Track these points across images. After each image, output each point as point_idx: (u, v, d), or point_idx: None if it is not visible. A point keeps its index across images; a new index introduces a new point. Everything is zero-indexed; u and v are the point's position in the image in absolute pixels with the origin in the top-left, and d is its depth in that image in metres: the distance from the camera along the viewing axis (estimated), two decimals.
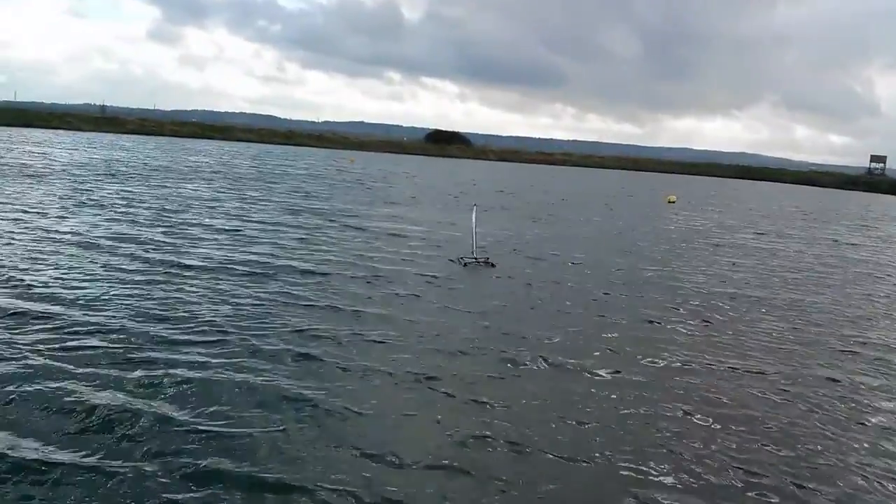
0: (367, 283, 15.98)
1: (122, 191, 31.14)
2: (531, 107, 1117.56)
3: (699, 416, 9.26)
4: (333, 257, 18.92)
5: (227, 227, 22.82)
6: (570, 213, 40.51)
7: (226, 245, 19.47)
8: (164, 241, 19.12)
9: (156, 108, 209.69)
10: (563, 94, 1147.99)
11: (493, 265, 19.20)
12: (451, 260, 19.64)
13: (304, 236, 22.35)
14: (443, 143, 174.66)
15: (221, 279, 14.98)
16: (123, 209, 25.05)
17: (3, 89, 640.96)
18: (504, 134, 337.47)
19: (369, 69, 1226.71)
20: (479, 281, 17.81)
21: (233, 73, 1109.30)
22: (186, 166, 53.33)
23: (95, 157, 54.51)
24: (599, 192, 70.58)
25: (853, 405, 10.16)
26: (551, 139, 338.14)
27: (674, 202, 58.22)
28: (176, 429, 7.55)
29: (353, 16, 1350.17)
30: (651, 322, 14.33)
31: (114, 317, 11.49)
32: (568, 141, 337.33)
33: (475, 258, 19.36)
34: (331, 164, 78.45)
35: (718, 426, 8.94)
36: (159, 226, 21.84)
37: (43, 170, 37.84)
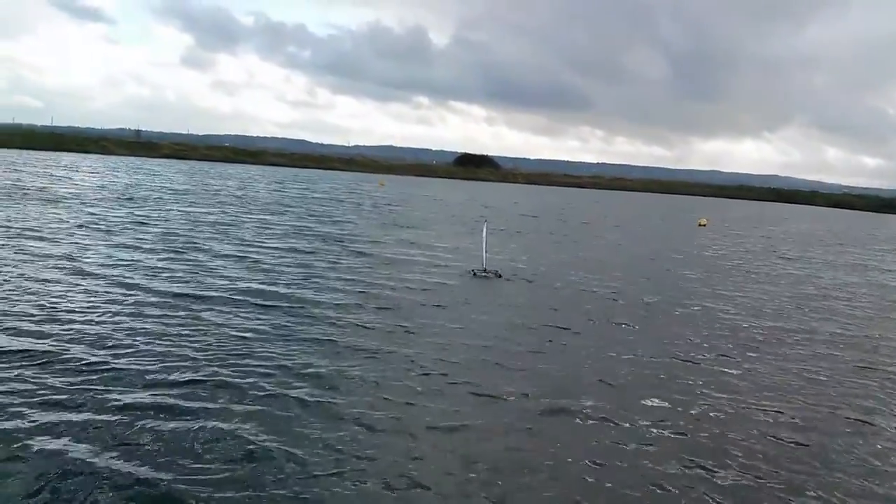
0: (393, 286, 17.25)
1: (130, 214, 30.21)
2: (558, 130, 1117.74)
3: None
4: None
5: (229, 253, 21.65)
6: (598, 235, 38.90)
7: (223, 272, 18.26)
8: (158, 267, 17.96)
9: (189, 132, 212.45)
10: (590, 116, 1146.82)
11: (499, 276, 20.52)
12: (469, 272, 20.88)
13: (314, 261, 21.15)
14: (472, 166, 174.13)
15: (206, 309, 13.73)
16: (124, 233, 24.04)
17: (39, 114, 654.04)
18: (532, 157, 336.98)
19: (398, 93, 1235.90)
20: (487, 290, 18.84)
21: (264, 98, 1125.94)
22: (207, 190, 52.69)
23: (118, 180, 54.17)
24: (629, 215, 68.84)
25: None
26: (580, 162, 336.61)
27: (705, 225, 56.90)
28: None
29: (381, 41, 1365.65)
30: (672, 355, 12.77)
31: (68, 348, 10.46)
32: (596, 164, 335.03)
33: (485, 270, 20.63)
34: (358, 188, 77.71)
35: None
36: (155, 251, 20.71)
37: (61, 193, 37.24)
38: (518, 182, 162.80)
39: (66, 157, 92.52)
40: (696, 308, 18.38)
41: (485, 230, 21.88)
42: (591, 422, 9.28)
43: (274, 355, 11.04)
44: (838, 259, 36.07)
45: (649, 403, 10.18)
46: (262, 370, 10.26)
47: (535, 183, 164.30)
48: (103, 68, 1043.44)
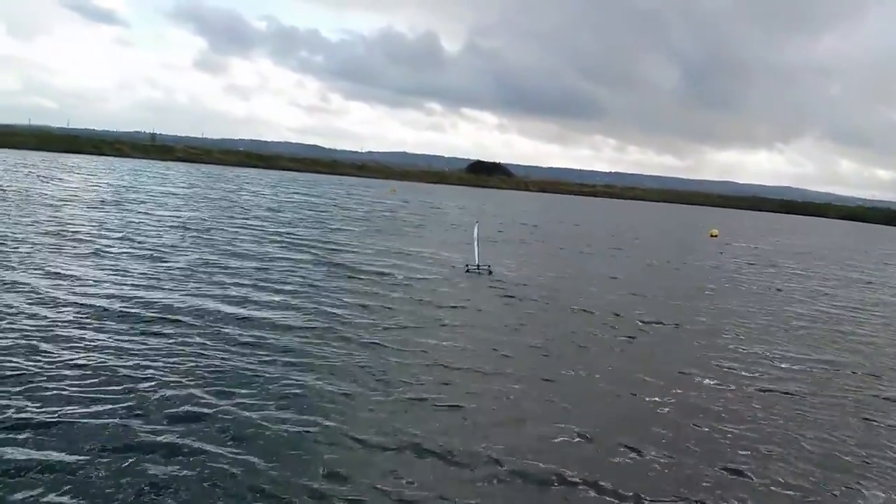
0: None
1: (107, 217, 28.31)
2: (570, 138, 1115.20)
3: None
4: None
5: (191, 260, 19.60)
6: (607, 246, 36.61)
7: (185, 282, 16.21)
8: (97, 279, 15.93)
9: (203, 136, 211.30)
10: (602, 125, 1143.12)
11: (490, 272, 21.45)
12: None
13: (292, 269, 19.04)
14: (483, 173, 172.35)
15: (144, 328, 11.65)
16: (90, 237, 22.13)
17: (56, 116, 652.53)
18: (543, 165, 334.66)
19: (410, 100, 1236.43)
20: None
21: (277, 102, 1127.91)
22: (205, 196, 50.88)
23: (116, 183, 52.54)
24: (639, 225, 66.49)
25: None
26: (592, 171, 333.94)
27: (716, 236, 54.76)
28: None
29: (393, 47, 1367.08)
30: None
31: None
32: (609, 173, 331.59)
33: (477, 266, 21.56)
34: (364, 194, 75.77)
35: None
36: (112, 257, 18.75)
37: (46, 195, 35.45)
38: (530, 190, 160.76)
39: (72, 159, 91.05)
40: (684, 326, 16.12)
41: (476, 230, 23.15)
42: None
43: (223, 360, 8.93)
44: (851, 275, 33.54)
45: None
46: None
47: (547, 191, 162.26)
48: (117, 71, 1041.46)
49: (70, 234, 22.25)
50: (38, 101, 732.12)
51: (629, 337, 14.79)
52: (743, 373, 12.57)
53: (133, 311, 12.87)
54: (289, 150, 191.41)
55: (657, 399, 10.56)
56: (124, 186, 47.62)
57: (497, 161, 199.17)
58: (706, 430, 9.39)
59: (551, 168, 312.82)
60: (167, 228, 26.17)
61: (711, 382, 11.74)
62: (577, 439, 8.61)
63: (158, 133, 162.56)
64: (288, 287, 16.67)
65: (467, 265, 21.90)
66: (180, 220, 29.74)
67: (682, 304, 19.65)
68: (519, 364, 11.77)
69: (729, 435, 9.24)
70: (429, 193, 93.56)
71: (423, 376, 10.56)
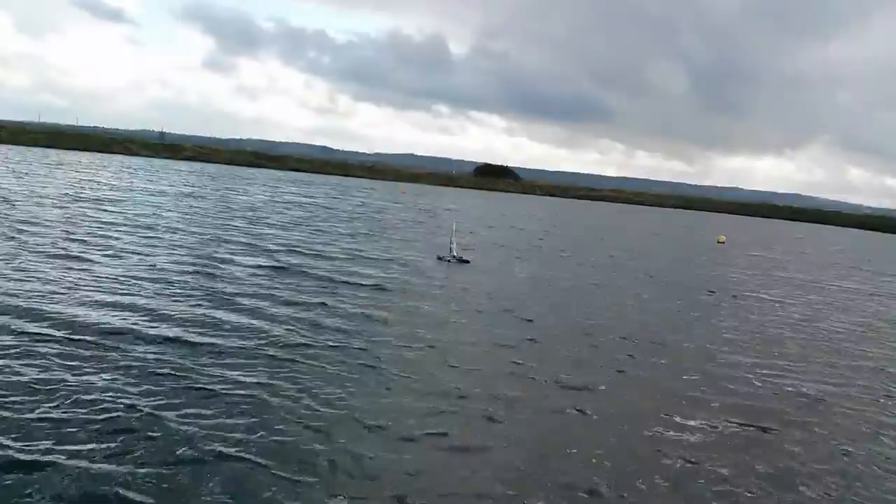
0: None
1: (72, 216, 26.55)
2: (579, 142, 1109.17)
3: None
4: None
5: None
6: (609, 252, 34.58)
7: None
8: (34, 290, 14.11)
9: (212, 136, 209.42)
10: (610, 129, 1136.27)
11: (467, 262, 23.43)
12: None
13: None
14: (492, 177, 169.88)
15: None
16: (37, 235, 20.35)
17: (65, 114, 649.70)
18: (551, 168, 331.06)
19: (418, 102, 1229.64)
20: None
21: (285, 103, 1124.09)
22: (194, 191, 49.12)
23: (96, 180, 50.85)
24: (646, 230, 64.35)
25: None
26: (600, 175, 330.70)
27: (723, 243, 52.72)
28: None
29: (400, 49, 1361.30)
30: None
31: None
32: (617, 178, 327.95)
33: (452, 256, 23.68)
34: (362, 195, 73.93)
35: None
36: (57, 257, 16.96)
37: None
38: (538, 194, 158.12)
39: (82, 157, 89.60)
40: (671, 339, 14.13)
41: (454, 225, 26.16)
42: None
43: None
44: (864, 286, 31.38)
45: None
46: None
47: (556, 195, 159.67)
48: (126, 69, 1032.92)
49: (35, 232, 20.52)
50: (49, 99, 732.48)
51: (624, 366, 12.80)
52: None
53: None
54: (297, 151, 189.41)
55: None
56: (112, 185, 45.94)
57: (505, 164, 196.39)
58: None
59: (559, 172, 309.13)
60: (131, 228, 24.41)
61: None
62: None
63: (167, 132, 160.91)
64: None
65: (439, 256, 24.22)
66: (148, 220, 27.92)
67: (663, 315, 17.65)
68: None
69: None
70: (439, 196, 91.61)
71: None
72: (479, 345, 13.07)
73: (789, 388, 12.16)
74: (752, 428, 9.93)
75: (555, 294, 19.96)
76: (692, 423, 9.82)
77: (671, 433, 9.35)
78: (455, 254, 23.71)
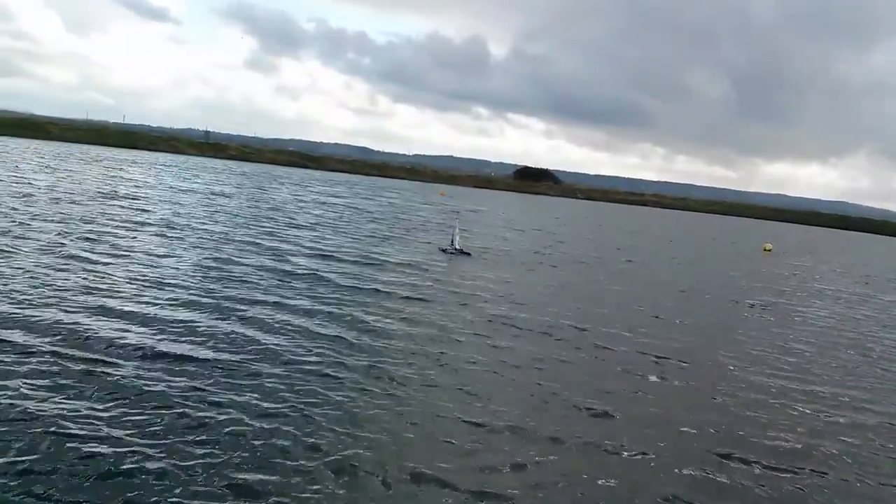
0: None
1: (90, 213, 25.08)
2: (618, 146, 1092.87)
3: None
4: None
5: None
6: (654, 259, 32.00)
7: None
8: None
9: (255, 135, 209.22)
10: (651, 134, 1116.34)
11: (468, 254, 24.38)
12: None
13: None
14: (531, 179, 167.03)
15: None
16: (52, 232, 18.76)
17: (110, 111, 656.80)
18: (591, 172, 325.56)
19: (457, 104, 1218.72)
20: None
21: (326, 103, 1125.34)
22: (216, 191, 47.78)
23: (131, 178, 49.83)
24: (689, 236, 61.33)
25: None
26: (640, 179, 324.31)
27: (770, 251, 49.75)
28: None
29: (440, 51, 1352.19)
30: None
31: None
32: (658, 182, 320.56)
33: (454, 249, 24.58)
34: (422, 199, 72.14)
35: None
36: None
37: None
38: (577, 198, 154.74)
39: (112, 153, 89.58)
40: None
41: (457, 221, 26.43)
42: None
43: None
44: None
45: None
46: None
47: (596, 199, 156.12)
48: (170, 68, 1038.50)
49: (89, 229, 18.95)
50: (94, 97, 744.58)
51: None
52: None
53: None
54: (338, 152, 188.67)
55: None
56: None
57: (544, 167, 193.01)
58: None
59: (598, 175, 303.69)
60: (140, 226, 22.78)
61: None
62: None
63: (211, 131, 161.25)
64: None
65: (443, 248, 25.19)
66: (164, 218, 26.33)
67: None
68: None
69: None
70: (478, 198, 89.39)
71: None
72: (491, 363, 10.94)
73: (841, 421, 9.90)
74: (805, 472, 7.86)
75: (609, 307, 17.64)
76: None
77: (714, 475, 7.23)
78: (457, 246, 24.68)
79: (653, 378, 11.48)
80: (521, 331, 13.68)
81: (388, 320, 13.23)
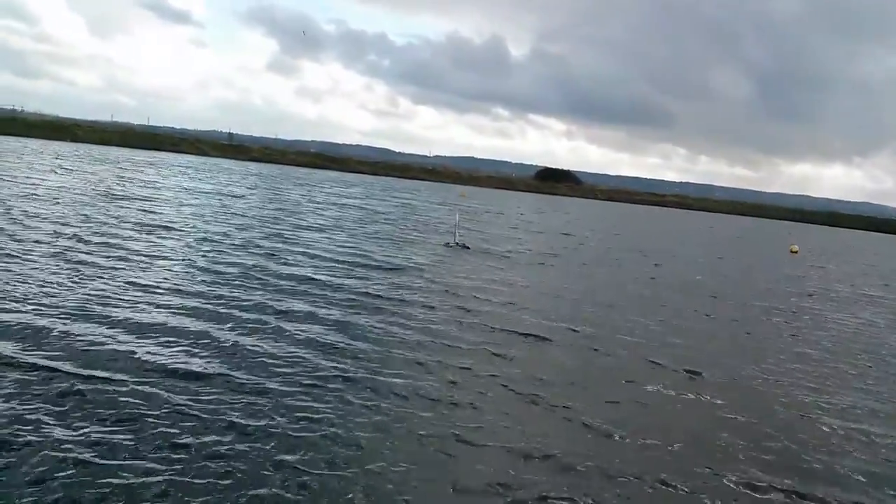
0: None
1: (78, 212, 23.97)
2: (639, 146, 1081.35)
3: None
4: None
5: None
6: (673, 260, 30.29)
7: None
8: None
9: (277, 137, 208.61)
10: (672, 134, 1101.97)
11: (468, 248, 24.77)
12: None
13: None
14: (552, 180, 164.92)
15: None
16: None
17: (134, 113, 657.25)
18: (612, 173, 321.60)
19: (477, 105, 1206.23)
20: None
21: (347, 105, 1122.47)
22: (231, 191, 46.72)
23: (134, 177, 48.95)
24: (713, 238, 59.31)
25: None
26: (662, 180, 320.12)
27: (797, 252, 47.76)
28: None
29: (459, 52, 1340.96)
30: None
31: None
32: (679, 182, 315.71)
33: (456, 243, 25.12)
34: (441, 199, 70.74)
35: None
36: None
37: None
38: (598, 198, 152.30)
39: (138, 155, 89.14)
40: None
41: (457, 216, 27.45)
42: None
43: None
44: None
45: None
46: None
47: (617, 200, 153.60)
48: (192, 70, 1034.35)
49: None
50: (119, 99, 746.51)
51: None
52: None
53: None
54: (360, 153, 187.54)
55: None
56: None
57: (565, 168, 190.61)
58: None
59: (620, 176, 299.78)
60: (137, 226, 21.59)
61: None
62: None
63: (235, 133, 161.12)
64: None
65: (447, 242, 25.71)
66: (163, 219, 25.17)
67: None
68: None
69: None
70: (500, 200, 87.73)
71: None
72: (506, 384, 9.48)
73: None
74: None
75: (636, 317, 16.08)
76: None
77: None
78: (458, 241, 25.49)
79: (667, 391, 9.93)
80: (532, 338, 12.20)
81: (393, 328, 11.89)
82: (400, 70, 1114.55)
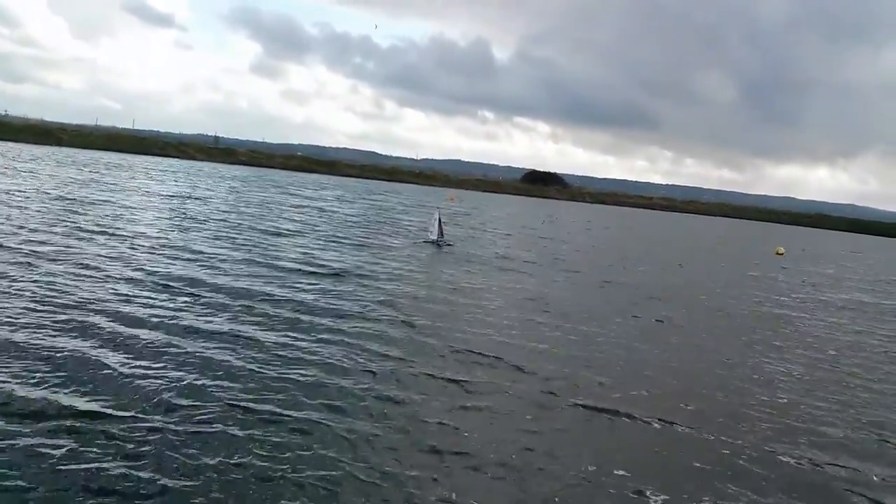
0: None
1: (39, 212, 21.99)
2: (626, 149, 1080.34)
3: None
4: None
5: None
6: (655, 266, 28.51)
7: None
8: None
9: (264, 140, 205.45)
10: (658, 136, 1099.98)
11: (450, 244, 26.02)
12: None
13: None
14: (539, 183, 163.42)
15: None
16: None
17: (119, 117, 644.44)
18: (599, 176, 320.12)
19: (463, 107, 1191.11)
20: None
21: (333, 108, 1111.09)
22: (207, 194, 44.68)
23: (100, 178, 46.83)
24: (699, 240, 57.71)
25: None
26: (648, 183, 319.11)
27: (782, 255, 47.14)
28: None
29: (444, 54, 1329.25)
30: None
31: None
32: (665, 185, 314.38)
33: (436, 240, 25.88)
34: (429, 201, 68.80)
35: None
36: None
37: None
38: (586, 201, 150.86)
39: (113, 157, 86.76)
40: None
41: (437, 214, 26.93)
42: None
43: None
44: None
45: None
46: None
47: (604, 203, 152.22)
48: (177, 74, 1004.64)
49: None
50: (104, 102, 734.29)
51: None
52: None
53: None
54: (347, 156, 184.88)
55: None
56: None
57: (552, 171, 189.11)
58: None
59: (607, 179, 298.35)
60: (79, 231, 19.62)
61: None
62: None
63: (221, 136, 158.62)
64: None
65: (427, 240, 26.31)
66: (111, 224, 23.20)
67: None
68: None
69: None
70: (489, 203, 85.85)
71: None
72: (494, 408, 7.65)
73: None
74: None
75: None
76: None
77: None
78: (441, 238, 25.90)
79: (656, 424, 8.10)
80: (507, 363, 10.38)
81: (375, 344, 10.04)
82: (385, 72, 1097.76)
